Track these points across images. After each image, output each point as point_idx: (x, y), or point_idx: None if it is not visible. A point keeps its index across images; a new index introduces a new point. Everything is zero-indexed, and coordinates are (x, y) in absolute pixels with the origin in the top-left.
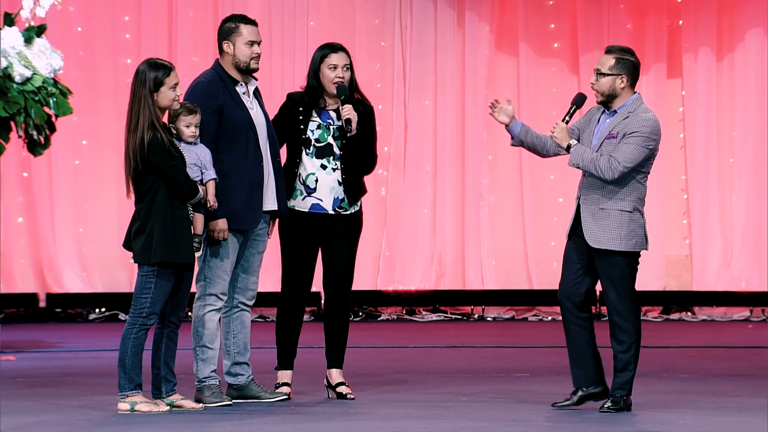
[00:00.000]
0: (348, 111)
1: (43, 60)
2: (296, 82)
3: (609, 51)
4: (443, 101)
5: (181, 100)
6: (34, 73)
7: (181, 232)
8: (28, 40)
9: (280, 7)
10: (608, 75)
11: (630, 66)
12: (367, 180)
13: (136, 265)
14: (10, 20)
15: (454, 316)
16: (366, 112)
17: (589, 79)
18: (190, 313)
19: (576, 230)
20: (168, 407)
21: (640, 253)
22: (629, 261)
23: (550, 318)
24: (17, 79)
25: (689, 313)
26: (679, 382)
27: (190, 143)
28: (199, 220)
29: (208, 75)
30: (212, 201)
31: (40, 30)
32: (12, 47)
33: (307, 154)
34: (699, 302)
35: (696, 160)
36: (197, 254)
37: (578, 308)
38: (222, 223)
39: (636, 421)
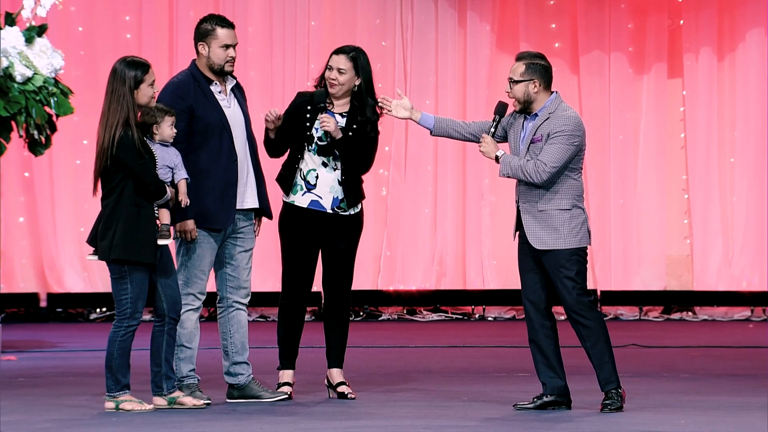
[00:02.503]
0: (324, 123)
1: (44, 60)
2: (297, 81)
3: (519, 58)
4: (444, 101)
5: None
6: (35, 73)
7: (145, 231)
8: (29, 40)
9: (281, 7)
10: (521, 81)
11: (541, 69)
12: (368, 179)
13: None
14: (11, 20)
15: (454, 316)
16: (367, 119)
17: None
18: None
19: (521, 234)
20: (152, 406)
21: (587, 249)
22: (577, 258)
23: None
24: (18, 78)
25: (690, 313)
26: (680, 382)
27: (166, 144)
28: (164, 212)
29: (181, 75)
30: (183, 198)
31: (41, 30)
32: (13, 47)
33: (309, 150)
34: (700, 302)
35: (697, 160)
36: (167, 241)
37: (542, 316)
38: (190, 224)
39: (636, 421)
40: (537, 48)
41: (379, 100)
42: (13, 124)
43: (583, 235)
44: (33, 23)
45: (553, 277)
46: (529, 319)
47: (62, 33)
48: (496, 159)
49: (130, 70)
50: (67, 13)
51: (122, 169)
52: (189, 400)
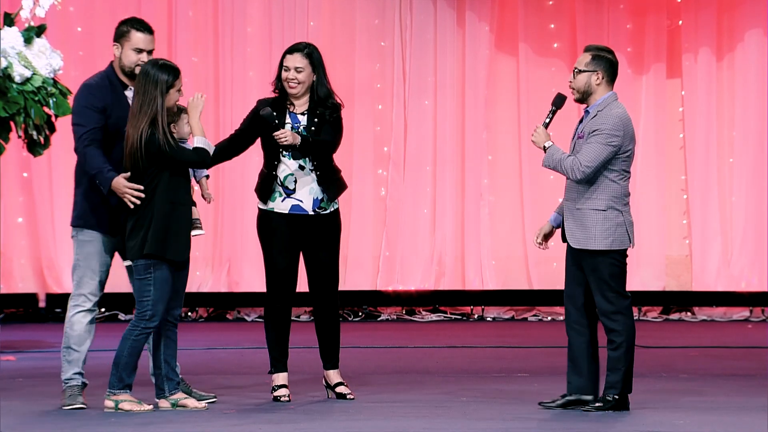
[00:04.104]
0: (280, 139)
1: (42, 60)
2: None
3: (587, 50)
4: (443, 101)
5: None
6: (33, 73)
7: (178, 228)
8: (27, 40)
9: (280, 7)
10: (584, 71)
11: (606, 62)
12: (368, 179)
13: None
14: (9, 20)
15: (453, 317)
16: (328, 114)
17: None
18: (190, 313)
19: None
20: (150, 407)
21: (626, 252)
22: (611, 261)
23: (549, 318)
24: (17, 79)
25: (689, 313)
26: (679, 382)
27: (184, 142)
28: (193, 209)
29: (97, 77)
30: (206, 194)
31: (39, 30)
32: (12, 47)
33: (284, 156)
34: (699, 302)
35: (696, 160)
36: (200, 232)
37: (579, 313)
38: (118, 184)
39: (636, 421)
40: (535, 48)
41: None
42: (12, 124)
43: (617, 238)
44: (32, 23)
45: (588, 278)
46: (566, 314)
47: (61, 33)
48: (544, 149)
49: (163, 74)
50: (66, 13)
51: (158, 163)
52: (191, 402)
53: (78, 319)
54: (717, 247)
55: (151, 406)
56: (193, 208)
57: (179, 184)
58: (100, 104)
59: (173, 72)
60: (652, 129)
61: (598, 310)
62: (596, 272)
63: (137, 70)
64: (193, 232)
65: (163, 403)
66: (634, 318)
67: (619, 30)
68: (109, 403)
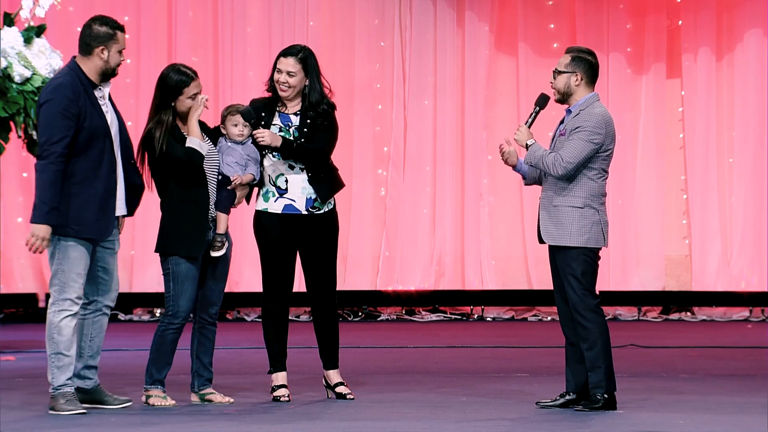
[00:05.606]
0: (258, 138)
1: (42, 60)
2: None
3: (568, 51)
4: (443, 101)
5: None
6: (33, 73)
7: (186, 224)
8: (27, 40)
9: (280, 7)
10: (564, 72)
11: (585, 63)
12: (367, 179)
13: (141, 265)
14: (9, 20)
15: (453, 317)
16: (320, 121)
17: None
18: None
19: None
20: (174, 402)
21: (598, 251)
22: (584, 258)
23: (549, 318)
24: (17, 79)
25: (689, 313)
26: (679, 382)
27: (238, 142)
28: (222, 219)
29: (68, 77)
30: (238, 188)
31: (39, 30)
32: (12, 47)
33: (273, 156)
34: (698, 302)
35: (695, 160)
36: (220, 252)
37: (573, 312)
38: (43, 231)
39: (636, 421)
40: (535, 48)
41: (500, 151)
42: (12, 124)
43: (593, 236)
44: (31, 23)
45: (561, 274)
46: (560, 313)
47: (61, 33)
48: (527, 147)
49: (174, 77)
50: (66, 13)
51: (156, 159)
52: (216, 397)
53: (66, 324)
54: (716, 247)
55: (174, 402)
56: (222, 221)
57: (190, 183)
58: (75, 110)
59: (186, 77)
60: (652, 129)
61: (573, 306)
62: (569, 268)
63: (118, 69)
64: (212, 253)
65: (193, 397)
66: (634, 318)
67: (619, 30)
68: (142, 398)
